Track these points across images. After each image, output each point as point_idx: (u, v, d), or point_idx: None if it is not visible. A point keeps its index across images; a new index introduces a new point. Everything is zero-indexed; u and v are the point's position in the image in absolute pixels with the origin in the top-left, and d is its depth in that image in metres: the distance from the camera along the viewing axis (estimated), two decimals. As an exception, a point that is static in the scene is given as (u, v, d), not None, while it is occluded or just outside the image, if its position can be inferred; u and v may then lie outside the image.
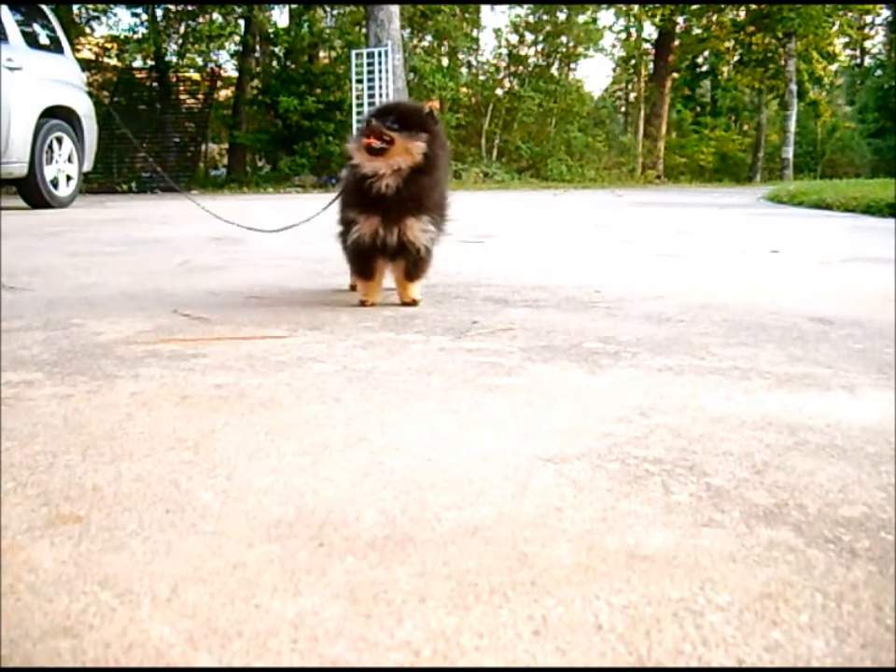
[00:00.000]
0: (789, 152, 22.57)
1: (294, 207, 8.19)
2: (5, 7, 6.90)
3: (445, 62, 21.60)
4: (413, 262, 2.07)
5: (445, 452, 1.02)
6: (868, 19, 29.08)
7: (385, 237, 1.99)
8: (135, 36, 18.56)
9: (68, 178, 7.59)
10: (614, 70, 28.53)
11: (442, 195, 2.10)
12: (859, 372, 1.43)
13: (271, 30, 18.93)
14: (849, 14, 24.73)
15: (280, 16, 20.78)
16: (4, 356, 1.52)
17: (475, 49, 23.66)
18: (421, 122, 1.99)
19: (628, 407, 1.22)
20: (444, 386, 1.33)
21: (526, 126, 22.50)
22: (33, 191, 7.11)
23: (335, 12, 19.67)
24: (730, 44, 24.82)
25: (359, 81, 14.31)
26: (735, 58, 25.75)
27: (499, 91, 23.04)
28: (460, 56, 23.06)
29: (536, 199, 11.32)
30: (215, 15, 18.72)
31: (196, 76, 18.76)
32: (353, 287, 2.33)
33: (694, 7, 24.08)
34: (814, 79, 24.32)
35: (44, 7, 7.86)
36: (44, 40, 7.62)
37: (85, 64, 14.70)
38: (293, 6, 19.31)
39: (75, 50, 10.03)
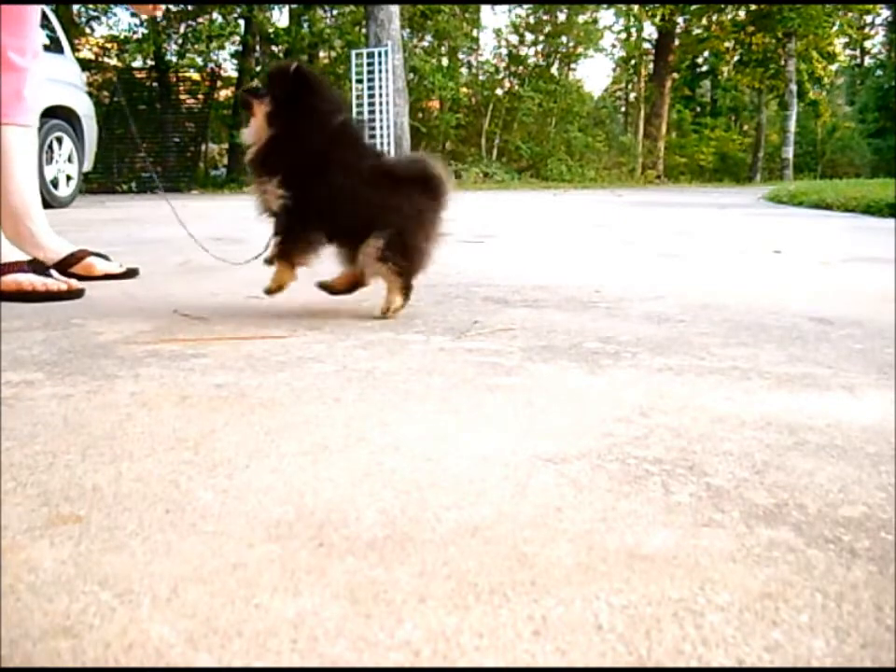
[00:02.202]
0: (789, 152, 22.59)
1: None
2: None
3: (445, 62, 21.59)
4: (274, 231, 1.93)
5: (445, 452, 1.02)
6: (868, 19, 29.11)
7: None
8: (135, 36, 18.57)
9: (68, 178, 7.59)
10: (614, 70, 28.57)
11: (305, 155, 1.87)
12: (859, 372, 1.43)
13: (271, 30, 18.92)
14: (849, 14, 24.74)
15: (280, 16, 20.81)
16: (4, 356, 1.52)
17: (475, 48, 23.67)
18: (271, 83, 1.90)
19: (628, 407, 1.22)
20: (444, 386, 1.33)
21: (526, 126, 22.50)
22: (32, 191, 7.09)
23: (335, 12, 19.67)
24: (730, 44, 24.84)
25: (359, 81, 14.31)
26: (735, 58, 25.76)
27: (499, 91, 23.04)
28: (460, 56, 23.06)
29: (536, 199, 11.32)
30: (215, 15, 18.73)
31: (196, 76, 18.75)
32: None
33: (694, 6, 24.08)
34: (814, 79, 24.34)
35: (44, 6, 7.86)
36: (44, 40, 7.63)
37: (85, 64, 14.70)
38: (293, 6, 19.32)
39: (75, 50, 10.03)
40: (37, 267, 2.28)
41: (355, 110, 14.36)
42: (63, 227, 5.12)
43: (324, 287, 2.09)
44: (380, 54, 13.92)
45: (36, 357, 1.52)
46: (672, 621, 0.64)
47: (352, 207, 1.87)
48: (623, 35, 26.11)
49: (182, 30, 19.90)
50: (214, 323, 1.87)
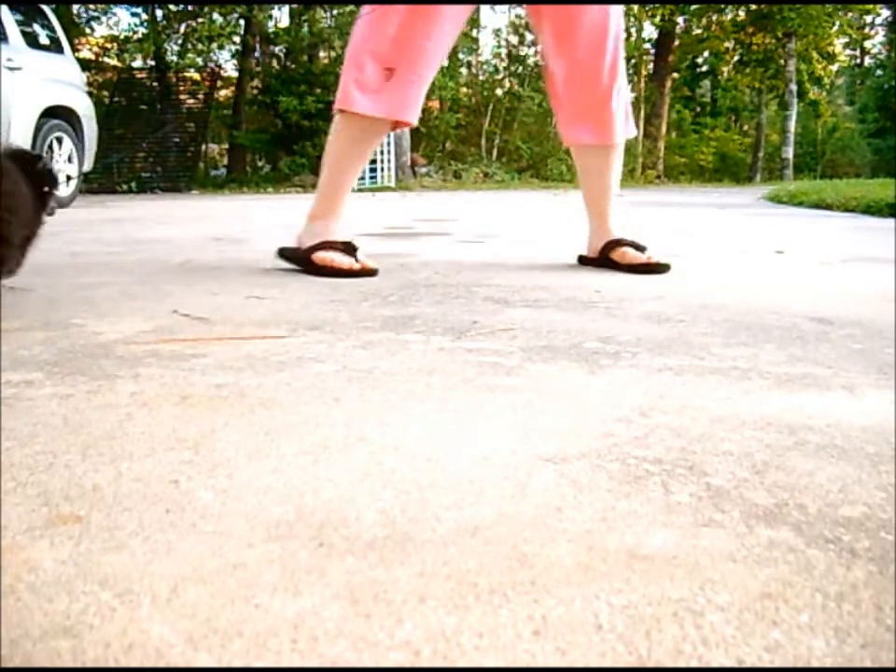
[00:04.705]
0: (789, 152, 22.59)
1: (293, 207, 8.19)
2: (5, 7, 6.90)
3: (445, 62, 21.59)
4: None
5: (445, 452, 1.02)
6: (868, 19, 29.09)
7: None
8: (135, 36, 18.59)
9: (68, 178, 7.59)
10: (614, 70, 28.43)
11: None
12: (859, 372, 1.43)
13: (271, 30, 18.93)
14: (849, 14, 24.73)
15: (280, 16, 20.82)
16: (4, 356, 1.52)
17: (475, 49, 23.66)
18: None
19: (628, 407, 1.22)
20: (444, 386, 1.33)
21: (526, 126, 22.48)
22: (33, 191, 7.09)
23: (335, 12, 19.66)
24: (730, 44, 24.84)
25: (359, 81, 14.27)
26: (735, 58, 25.77)
27: (499, 91, 23.02)
28: (460, 56, 23.05)
29: (536, 199, 11.31)
30: (215, 15, 18.72)
31: (196, 76, 18.74)
32: None
33: (694, 7, 24.08)
34: (814, 79, 24.35)
35: (44, 6, 7.87)
36: (44, 40, 7.62)
37: (85, 64, 14.70)
38: (293, 6, 19.32)
39: (75, 50, 10.02)
40: (347, 248, 2.68)
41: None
42: (63, 227, 5.12)
43: None
44: (380, 54, 13.88)
45: (36, 357, 1.52)
46: (672, 621, 0.64)
47: None
48: (623, 35, 26.07)
49: (182, 30, 19.91)
50: (214, 323, 1.87)
